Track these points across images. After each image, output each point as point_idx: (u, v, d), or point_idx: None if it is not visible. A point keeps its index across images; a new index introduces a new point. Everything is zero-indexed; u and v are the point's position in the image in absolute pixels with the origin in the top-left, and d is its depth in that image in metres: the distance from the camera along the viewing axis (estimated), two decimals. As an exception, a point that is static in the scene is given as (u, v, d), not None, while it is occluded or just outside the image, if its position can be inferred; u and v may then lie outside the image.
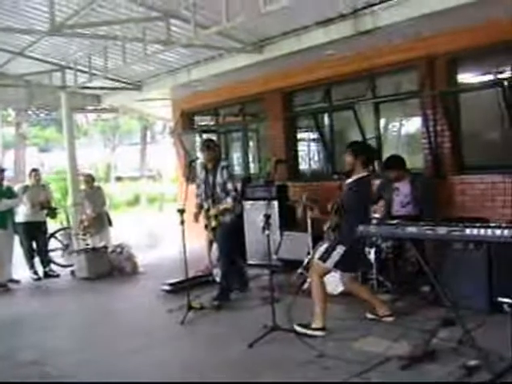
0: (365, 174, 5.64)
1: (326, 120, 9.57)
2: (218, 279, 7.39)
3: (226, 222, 7.00)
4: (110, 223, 10.84)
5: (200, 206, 7.20)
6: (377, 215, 6.80)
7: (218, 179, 6.96)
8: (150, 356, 5.34)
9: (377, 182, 7.56)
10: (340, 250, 5.48)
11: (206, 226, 7.22)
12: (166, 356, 5.34)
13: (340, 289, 6.56)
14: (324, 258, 5.59)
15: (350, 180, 5.67)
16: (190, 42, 7.59)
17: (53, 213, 10.02)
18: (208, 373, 4.81)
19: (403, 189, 7.06)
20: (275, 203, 8.57)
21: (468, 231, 4.11)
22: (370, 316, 5.81)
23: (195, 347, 5.62)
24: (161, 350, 5.53)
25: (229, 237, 7.08)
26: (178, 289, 7.54)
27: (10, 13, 8.25)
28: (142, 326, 6.43)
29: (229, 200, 6.91)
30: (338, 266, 5.56)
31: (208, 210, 7.07)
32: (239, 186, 9.04)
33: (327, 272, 5.66)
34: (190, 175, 7.48)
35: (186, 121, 12.58)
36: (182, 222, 6.44)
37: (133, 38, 8.09)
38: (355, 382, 4.23)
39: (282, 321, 5.60)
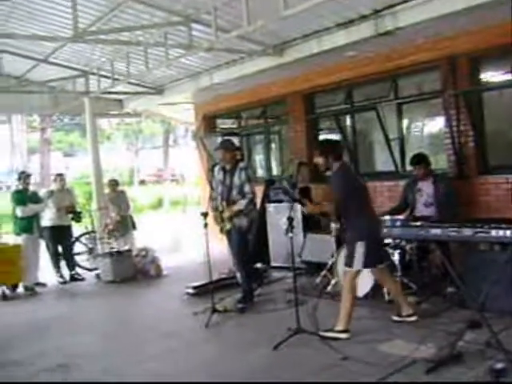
0: (339, 165, 5.63)
1: (348, 121, 9.55)
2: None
3: (242, 225, 6.96)
4: (134, 226, 10.95)
5: (215, 209, 7.08)
6: (400, 217, 6.75)
7: (236, 181, 6.90)
8: (175, 361, 5.37)
9: (401, 184, 7.55)
10: (360, 247, 5.43)
11: (222, 229, 7.11)
12: (192, 360, 5.36)
13: (365, 291, 6.54)
14: (348, 262, 5.55)
15: (331, 176, 5.69)
16: (211, 46, 7.62)
17: (78, 217, 10.13)
18: (233, 376, 4.82)
19: (427, 189, 7.03)
20: (298, 206, 8.56)
21: (493, 232, 4.08)
22: (395, 318, 5.78)
23: (220, 350, 5.63)
24: (186, 354, 5.56)
25: (244, 240, 7.05)
26: (202, 292, 7.57)
27: (34, 20, 8.39)
28: (167, 329, 6.46)
29: (243, 201, 6.84)
30: (366, 264, 5.51)
31: (222, 211, 6.95)
32: (261, 188, 9.08)
33: (358, 273, 5.58)
34: (212, 178, 7.50)
35: (209, 124, 12.65)
36: (206, 225, 6.46)
37: (155, 43, 8.18)
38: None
39: (307, 323, 5.60)
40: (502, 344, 4.28)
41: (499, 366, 4.20)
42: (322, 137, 10.13)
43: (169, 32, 7.92)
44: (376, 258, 5.61)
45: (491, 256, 5.43)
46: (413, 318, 5.70)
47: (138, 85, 11.36)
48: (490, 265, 4.76)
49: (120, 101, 12.92)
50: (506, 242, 4.29)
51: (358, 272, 5.56)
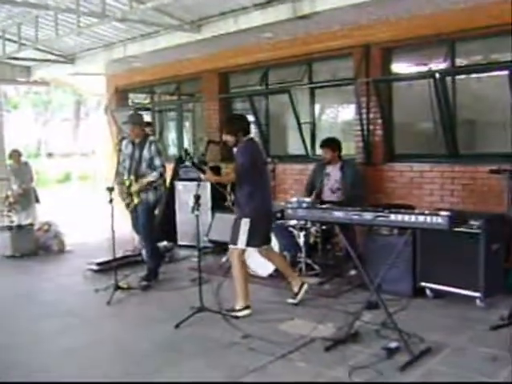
0: (246, 139, 5.63)
1: (262, 103, 9.56)
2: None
3: (150, 200, 6.83)
4: (38, 200, 10.54)
5: (122, 183, 6.85)
6: (307, 199, 6.85)
7: (145, 154, 6.74)
8: (75, 337, 5.22)
9: (310, 168, 7.66)
10: (245, 225, 5.45)
11: (128, 205, 6.90)
12: (92, 337, 5.22)
13: (269, 271, 6.61)
14: (233, 239, 5.55)
15: (237, 149, 5.66)
16: (125, 16, 7.40)
17: (-24, 188, 9.62)
18: (133, 353, 4.76)
19: (334, 174, 7.16)
20: (207, 184, 8.50)
21: (392, 217, 4.20)
22: (291, 301, 5.82)
23: (121, 328, 5.52)
24: (86, 330, 5.42)
25: (151, 216, 6.97)
26: (105, 268, 7.40)
27: None
28: (67, 306, 6.27)
29: (154, 173, 6.71)
30: (249, 243, 5.52)
31: (130, 186, 6.77)
32: (171, 166, 8.95)
33: (244, 251, 5.59)
34: (119, 152, 7.24)
35: (121, 98, 12.33)
36: (111, 201, 6.30)
37: (65, 9, 7.81)
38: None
39: (210, 302, 5.59)
40: (396, 324, 4.45)
41: (393, 344, 4.39)
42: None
43: (81, -2, 7.61)
44: (260, 239, 5.63)
45: (390, 240, 5.66)
46: (305, 287, 5.80)
47: (47, 52, 10.85)
48: (389, 248, 4.92)
49: (28, 68, 12.31)
50: (403, 227, 4.45)
51: (243, 250, 5.58)
